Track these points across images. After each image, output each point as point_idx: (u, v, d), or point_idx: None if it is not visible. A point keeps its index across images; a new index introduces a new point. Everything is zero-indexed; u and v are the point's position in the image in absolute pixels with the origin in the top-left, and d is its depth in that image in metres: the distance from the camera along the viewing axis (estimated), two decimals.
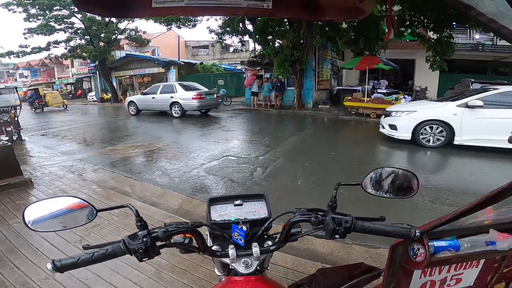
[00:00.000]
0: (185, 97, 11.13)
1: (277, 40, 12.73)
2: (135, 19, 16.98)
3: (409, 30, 11.02)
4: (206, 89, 12.39)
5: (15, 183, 3.93)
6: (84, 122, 11.52)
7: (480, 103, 5.54)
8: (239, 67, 21.73)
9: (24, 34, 18.36)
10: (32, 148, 6.80)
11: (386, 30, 12.50)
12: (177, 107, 11.31)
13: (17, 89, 8.36)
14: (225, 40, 14.85)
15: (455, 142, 5.83)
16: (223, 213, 0.90)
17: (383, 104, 10.29)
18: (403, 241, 0.88)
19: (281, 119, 10.84)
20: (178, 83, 12.29)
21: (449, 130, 5.86)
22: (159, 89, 12.11)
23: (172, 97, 11.43)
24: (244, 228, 0.79)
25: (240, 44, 14.75)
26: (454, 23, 10.12)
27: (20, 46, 19.03)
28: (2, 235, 2.73)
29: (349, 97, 11.45)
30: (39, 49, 19.52)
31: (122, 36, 21.69)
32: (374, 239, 2.57)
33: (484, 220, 1.00)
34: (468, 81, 10.64)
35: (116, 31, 20.35)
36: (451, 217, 0.83)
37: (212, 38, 15.47)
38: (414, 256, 0.87)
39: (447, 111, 5.97)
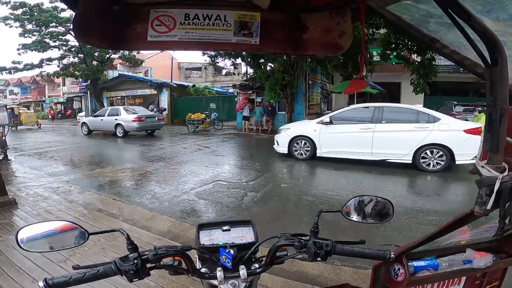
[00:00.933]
0: (127, 119, 12.81)
1: (269, 64, 13.05)
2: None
3: (395, 53, 11.37)
4: (149, 113, 14.25)
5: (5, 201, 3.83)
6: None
7: (328, 119, 6.90)
8: (231, 90, 22.07)
9: (18, 49, 18.35)
10: (18, 169, 6.65)
11: (373, 54, 13.14)
12: (120, 128, 13.00)
13: (6, 107, 8.26)
14: (217, 62, 15.18)
15: (318, 155, 7.01)
16: (211, 237, 0.93)
17: None
18: (384, 262, 0.92)
19: (272, 144, 10.95)
20: (123, 107, 14.24)
21: (312, 144, 7.05)
22: (107, 112, 13.87)
23: (116, 119, 13.11)
24: (232, 251, 0.83)
25: (232, 67, 15.08)
26: (425, 45, 10.55)
27: (13, 62, 18.98)
28: None
29: None
30: (32, 66, 19.45)
31: (116, 56, 21.88)
32: (362, 260, 2.57)
33: (461, 240, 1.05)
34: (451, 104, 11.09)
35: (110, 51, 20.57)
36: (425, 238, 0.89)
37: (205, 60, 15.84)
38: (396, 276, 0.92)
39: (310, 127, 7.14)
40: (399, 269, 0.91)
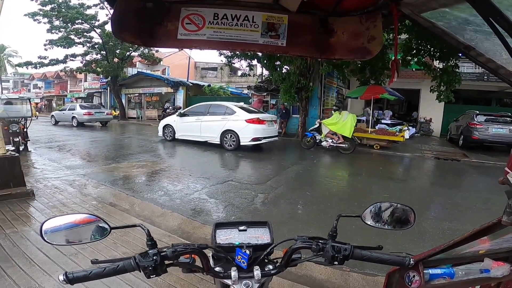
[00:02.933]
0: (79, 113, 16.55)
1: (285, 66, 13.01)
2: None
3: (415, 59, 11.05)
4: (100, 109, 17.88)
5: (17, 193, 3.96)
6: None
7: (181, 113, 10.36)
8: (245, 91, 22.15)
9: (45, 45, 19.00)
10: (37, 160, 6.88)
11: (390, 64, 12.79)
12: (75, 120, 16.84)
13: (30, 100, 8.57)
14: (233, 63, 15.27)
15: (176, 137, 10.18)
16: (228, 237, 0.94)
17: (387, 135, 10.28)
18: (399, 268, 0.93)
19: (284, 146, 10.94)
20: (79, 104, 18.49)
21: (173, 130, 10.26)
22: (68, 107, 18.02)
23: (73, 113, 16.95)
24: (248, 252, 0.83)
25: (248, 68, 15.13)
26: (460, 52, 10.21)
27: (39, 57, 19.59)
28: None
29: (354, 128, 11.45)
30: (57, 61, 20.05)
31: (136, 54, 22.44)
32: (372, 266, 2.55)
33: (479, 249, 1.03)
34: (473, 113, 10.67)
35: (130, 48, 21.06)
36: (446, 247, 0.87)
37: (221, 60, 15.95)
38: (410, 283, 0.92)
39: (172, 118, 10.51)
40: (414, 276, 0.90)
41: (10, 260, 2.44)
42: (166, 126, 10.45)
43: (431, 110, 15.53)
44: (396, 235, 3.21)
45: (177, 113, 10.47)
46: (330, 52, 1.09)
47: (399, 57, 11.76)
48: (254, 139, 8.39)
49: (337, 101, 13.45)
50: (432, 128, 15.80)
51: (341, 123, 9.02)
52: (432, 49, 10.32)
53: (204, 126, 9.22)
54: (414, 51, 10.69)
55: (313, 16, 1.08)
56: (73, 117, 16.83)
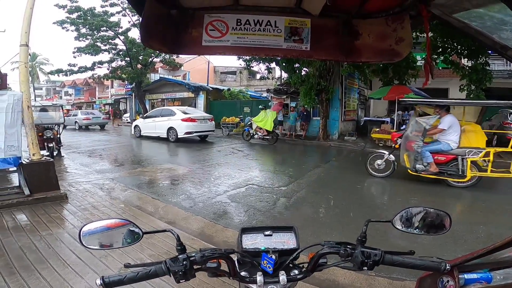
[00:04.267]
0: (80, 118, 20.20)
1: (304, 69, 12.91)
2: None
3: (442, 58, 10.66)
4: (95, 114, 21.45)
5: (52, 196, 4.20)
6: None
7: (144, 116, 14.07)
8: (264, 94, 22.17)
9: (73, 52, 19.88)
10: (70, 165, 7.25)
11: (417, 58, 12.44)
12: (76, 124, 20.08)
13: (62, 107, 9.07)
14: (252, 67, 15.38)
15: (142, 134, 13.28)
16: (253, 242, 0.93)
17: None
18: (432, 273, 0.90)
19: (305, 149, 10.81)
20: (80, 111, 22.69)
21: (140, 129, 13.43)
22: (72, 114, 21.53)
23: (75, 118, 20.49)
24: (274, 256, 0.83)
25: (267, 71, 15.18)
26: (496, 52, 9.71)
27: (69, 65, 20.45)
28: (33, 245, 2.88)
29: (377, 129, 11.09)
30: (85, 69, 20.89)
31: (157, 59, 23.11)
32: (399, 271, 2.46)
33: None
34: (507, 112, 10.06)
35: (152, 54, 21.70)
36: (484, 252, 0.83)
37: (240, 64, 16.12)
38: None
39: (140, 120, 13.90)
40: (448, 281, 0.87)
41: (45, 262, 2.57)
42: (136, 126, 13.87)
43: (461, 109, 14.74)
44: (425, 240, 3.07)
45: (143, 117, 14.28)
46: (356, 55, 1.07)
47: (423, 56, 11.38)
48: (187, 133, 11.53)
49: (363, 100, 12.93)
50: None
51: (265, 120, 11.30)
52: (459, 46, 9.90)
53: (157, 125, 12.49)
54: (440, 49, 10.29)
55: (336, 19, 1.07)
56: (75, 121, 20.23)
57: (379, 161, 6.24)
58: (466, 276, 0.87)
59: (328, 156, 9.13)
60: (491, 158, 5.17)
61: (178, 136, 11.46)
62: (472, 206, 4.79)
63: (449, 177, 5.50)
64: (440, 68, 13.25)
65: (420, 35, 9.65)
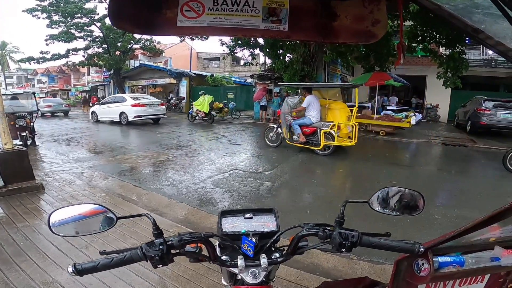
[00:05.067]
0: (42, 105, 17.91)
1: (288, 55, 12.85)
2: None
3: (421, 46, 10.91)
4: (59, 102, 20.79)
5: (27, 187, 4.03)
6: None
7: (100, 103, 15.15)
8: (248, 80, 21.98)
9: (45, 40, 19.04)
10: (46, 154, 6.97)
11: (396, 47, 12.63)
12: (39, 111, 21.08)
13: (35, 95, 8.63)
14: (236, 53, 15.12)
15: (98, 119, 14.40)
16: (233, 225, 0.93)
17: (393, 121, 10.21)
18: (407, 256, 0.91)
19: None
20: (43, 99, 21.10)
21: (96, 114, 14.47)
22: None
23: (38, 105, 21.18)
24: (254, 240, 0.82)
25: (250, 57, 14.99)
26: (467, 38, 10.05)
27: (41, 52, 19.65)
28: (10, 238, 2.79)
29: (358, 114, 11.34)
30: (59, 56, 20.15)
31: (137, 46, 22.33)
32: (379, 254, 2.56)
33: (490, 237, 1.02)
34: (481, 99, 10.52)
35: (132, 41, 20.93)
36: (456, 234, 0.86)
37: (223, 50, 15.82)
38: (418, 271, 0.90)
39: (96, 107, 14.83)
40: (423, 264, 0.89)
41: (23, 254, 2.50)
42: (93, 112, 14.93)
43: (438, 96, 15.30)
44: (403, 223, 3.21)
45: (99, 103, 15.64)
46: (333, 36, 1.07)
47: (405, 42, 11.55)
48: (136, 116, 12.73)
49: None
50: (439, 114, 15.62)
51: (202, 104, 13.00)
52: (437, 35, 10.16)
53: (111, 110, 13.60)
54: (420, 37, 10.52)
55: (315, 0, 1.06)
56: (38, 109, 19.96)
57: (271, 134, 7.87)
58: (440, 259, 0.89)
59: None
60: (335, 129, 6.54)
61: (129, 120, 12.76)
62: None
63: (314, 146, 6.82)
64: (419, 56, 13.57)
65: (402, 19, 9.79)
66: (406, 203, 0.91)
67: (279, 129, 7.57)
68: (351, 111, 6.92)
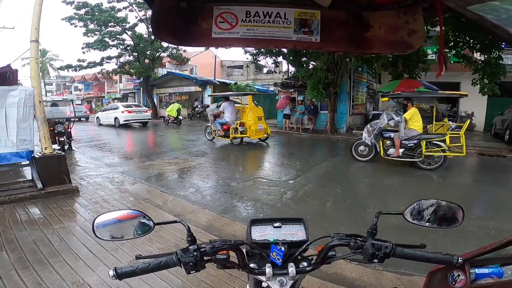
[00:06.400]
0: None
1: (311, 62, 12.75)
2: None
3: (454, 52, 10.42)
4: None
5: (64, 190, 4.29)
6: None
7: (101, 111, 19.25)
8: (271, 88, 22.05)
9: (82, 48, 20.15)
10: (81, 159, 7.38)
11: (428, 52, 12.18)
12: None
13: (73, 101, 9.21)
14: (259, 61, 15.27)
15: (101, 123, 17.89)
16: (263, 233, 0.93)
17: None
18: (442, 267, 0.90)
19: (313, 143, 10.82)
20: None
21: (100, 119, 18.06)
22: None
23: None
24: (283, 248, 0.83)
25: (274, 65, 15.06)
26: (503, 44, 9.47)
27: (78, 60, 20.80)
28: (46, 238, 2.95)
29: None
30: (94, 64, 21.19)
31: (165, 54, 23.14)
32: (408, 265, 2.44)
33: None
34: None
35: (160, 49, 21.76)
36: (497, 246, 0.83)
37: (246, 58, 16.03)
38: (453, 283, 0.88)
39: (100, 113, 18.46)
40: (459, 275, 0.87)
41: (58, 255, 2.63)
42: (97, 117, 18.27)
43: (473, 103, 14.40)
44: (436, 234, 3.04)
45: (101, 110, 19.35)
46: (366, 47, 1.06)
47: (434, 50, 11.10)
48: (125, 120, 16.04)
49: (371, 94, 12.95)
50: (475, 123, 14.70)
51: (172, 110, 17.02)
52: (471, 41, 9.70)
53: (109, 116, 16.96)
54: (452, 43, 10.08)
55: (347, 11, 1.06)
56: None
57: (208, 131, 10.98)
58: (477, 270, 0.86)
59: (336, 150, 9.14)
60: (238, 125, 9.40)
61: (120, 123, 16.03)
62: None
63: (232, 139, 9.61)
64: (452, 62, 12.93)
65: (431, 28, 9.45)
66: (442, 215, 0.89)
67: (211, 126, 10.29)
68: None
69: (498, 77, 9.55)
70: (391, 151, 6.58)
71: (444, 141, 6.15)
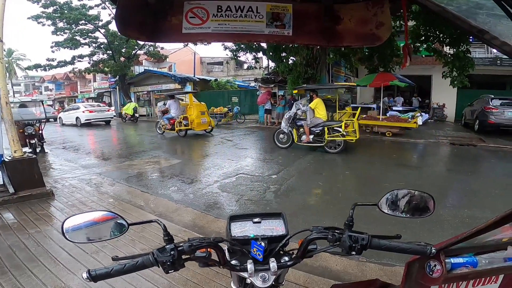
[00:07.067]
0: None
1: (291, 57, 12.85)
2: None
3: (425, 46, 10.83)
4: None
5: (37, 194, 4.10)
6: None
7: (63, 112, 19.25)
8: (252, 84, 22.02)
9: (51, 47, 19.29)
10: (54, 161, 7.07)
11: (402, 49, 12.58)
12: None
13: (43, 102, 8.76)
14: (239, 57, 15.18)
15: (63, 123, 18.06)
16: (242, 229, 0.93)
17: (399, 122, 10.12)
18: (419, 257, 0.91)
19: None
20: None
21: (62, 119, 18.30)
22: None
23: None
24: (263, 244, 0.83)
25: (254, 61, 15.02)
26: (471, 37, 9.95)
27: (47, 60, 19.89)
28: (22, 243, 2.83)
29: (364, 115, 11.24)
30: (65, 63, 20.35)
31: (141, 52, 22.49)
32: (389, 256, 2.53)
33: (502, 237, 1.01)
34: (488, 97, 10.40)
35: (136, 46, 21.09)
36: (468, 235, 0.86)
37: (226, 54, 15.88)
38: (431, 273, 0.90)
39: (62, 113, 18.82)
40: (435, 265, 0.89)
41: (35, 260, 2.53)
42: (59, 117, 18.52)
43: (444, 95, 15.14)
44: (413, 224, 3.18)
45: (63, 110, 19.58)
46: (338, 40, 1.08)
47: (411, 44, 11.49)
48: (86, 119, 16.55)
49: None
50: (446, 114, 15.44)
51: (128, 108, 18.18)
52: (441, 35, 10.09)
53: (70, 116, 17.45)
54: (423, 37, 10.48)
55: (318, 4, 1.07)
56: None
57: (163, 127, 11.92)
58: (453, 260, 0.89)
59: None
60: (189, 120, 10.89)
61: (82, 122, 16.61)
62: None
63: (177, 131, 10.98)
64: (424, 56, 13.46)
65: (404, 23, 9.77)
66: (416, 205, 0.91)
67: (160, 121, 11.81)
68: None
69: (467, 70, 10.01)
70: (303, 137, 7.50)
71: (340, 126, 7.08)
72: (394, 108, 13.80)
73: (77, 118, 16.96)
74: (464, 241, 0.87)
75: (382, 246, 0.80)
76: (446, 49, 11.20)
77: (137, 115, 18.46)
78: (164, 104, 12.04)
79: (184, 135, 10.89)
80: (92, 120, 16.87)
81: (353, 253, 0.80)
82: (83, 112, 16.84)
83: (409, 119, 10.26)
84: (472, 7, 0.94)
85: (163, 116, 11.28)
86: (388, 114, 11.28)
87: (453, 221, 3.39)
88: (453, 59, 10.20)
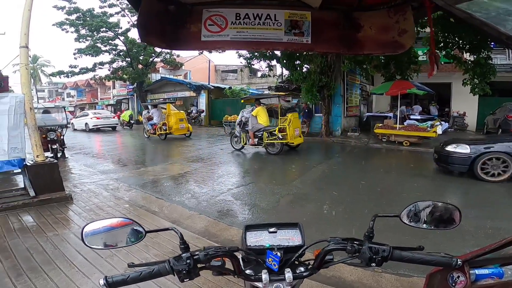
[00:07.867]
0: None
1: (305, 65, 12.81)
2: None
3: (444, 52, 10.53)
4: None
5: (57, 198, 4.23)
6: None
7: (75, 118, 20.93)
8: (266, 92, 22.13)
9: (74, 54, 19.99)
10: (74, 166, 7.28)
11: (419, 53, 12.37)
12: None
13: (65, 108, 9.09)
14: (253, 64, 15.31)
15: (75, 128, 19.25)
16: (258, 239, 0.92)
17: (417, 131, 9.83)
18: (441, 269, 0.89)
19: (308, 146, 10.82)
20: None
21: (74, 124, 19.28)
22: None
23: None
24: (279, 254, 0.82)
25: (267, 69, 15.09)
26: (492, 43, 9.62)
27: (70, 66, 20.60)
28: (40, 246, 2.90)
29: (380, 124, 11.04)
30: (86, 70, 21.03)
31: (158, 59, 23.05)
32: (406, 267, 2.43)
33: None
34: (511, 105, 10.00)
35: (153, 54, 21.66)
36: (496, 247, 0.82)
37: (240, 62, 16.07)
38: (454, 284, 0.87)
39: (74, 120, 19.95)
40: (458, 277, 0.87)
41: (52, 263, 2.58)
42: (72, 123, 18.95)
43: (465, 103, 14.65)
44: (433, 235, 3.05)
45: (75, 117, 21.30)
46: (358, 48, 1.05)
47: (425, 51, 11.26)
48: (94, 125, 18.03)
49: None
50: (467, 122, 14.90)
51: (125, 115, 19.87)
52: (460, 41, 9.82)
53: (81, 122, 18.96)
54: (442, 44, 10.19)
55: (337, 11, 1.05)
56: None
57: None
58: (477, 271, 0.86)
59: (331, 153, 9.22)
60: (168, 126, 12.50)
61: (90, 128, 18.10)
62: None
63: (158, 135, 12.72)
64: (442, 62, 13.12)
65: (421, 30, 9.61)
66: (439, 216, 0.88)
67: (145, 127, 13.61)
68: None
69: (488, 77, 9.67)
70: (250, 141, 8.66)
71: (275, 131, 8.22)
72: (412, 116, 13.47)
73: (86, 124, 18.65)
74: (491, 252, 0.84)
75: (404, 258, 0.78)
76: (466, 55, 10.89)
77: (132, 121, 20.20)
78: (148, 112, 13.57)
79: (164, 138, 12.53)
80: (99, 126, 18.42)
81: (373, 264, 0.78)
82: (91, 118, 18.52)
83: (428, 128, 9.96)
84: (500, 14, 0.90)
85: (148, 122, 13.02)
86: (405, 123, 11.00)
87: (475, 232, 3.26)
88: (474, 66, 9.88)
